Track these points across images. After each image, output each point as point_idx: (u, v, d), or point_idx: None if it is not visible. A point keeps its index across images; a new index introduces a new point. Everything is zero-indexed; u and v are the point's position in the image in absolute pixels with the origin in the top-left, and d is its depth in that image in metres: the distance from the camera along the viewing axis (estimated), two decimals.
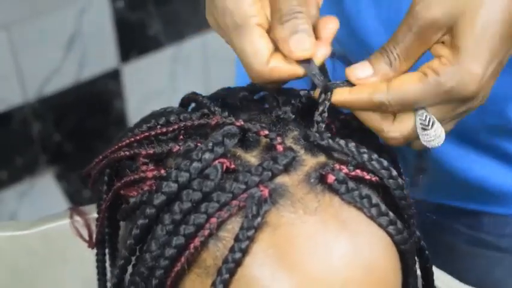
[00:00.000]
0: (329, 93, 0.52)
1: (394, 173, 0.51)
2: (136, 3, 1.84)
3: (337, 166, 0.49)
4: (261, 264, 0.46)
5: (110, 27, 1.82)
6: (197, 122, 0.52)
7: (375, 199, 0.49)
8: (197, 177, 0.48)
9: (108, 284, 0.66)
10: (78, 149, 1.95)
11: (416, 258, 0.56)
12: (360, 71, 0.52)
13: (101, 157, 0.58)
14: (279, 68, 0.50)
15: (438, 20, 0.49)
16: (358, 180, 0.50)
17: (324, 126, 0.52)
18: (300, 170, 0.49)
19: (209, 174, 0.48)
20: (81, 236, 0.66)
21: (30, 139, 1.86)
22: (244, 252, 0.45)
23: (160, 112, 0.57)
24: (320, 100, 0.52)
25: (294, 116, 0.54)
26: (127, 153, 0.54)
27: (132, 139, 0.55)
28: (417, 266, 0.57)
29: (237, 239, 0.46)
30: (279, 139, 0.50)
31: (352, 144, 0.50)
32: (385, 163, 0.50)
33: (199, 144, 0.50)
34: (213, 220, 0.47)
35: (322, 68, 0.53)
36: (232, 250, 0.46)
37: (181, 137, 0.53)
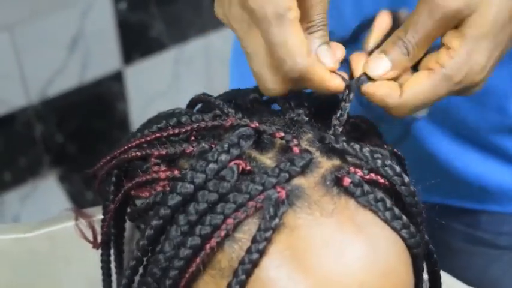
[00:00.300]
0: (351, 96, 0.52)
1: (407, 179, 0.51)
2: (139, 4, 1.84)
3: (352, 169, 0.49)
4: (278, 266, 0.46)
5: (112, 29, 1.81)
6: (211, 124, 0.52)
7: (389, 203, 0.49)
8: (213, 179, 0.47)
9: (113, 285, 0.66)
10: (81, 150, 1.95)
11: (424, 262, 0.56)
12: (378, 66, 0.52)
13: (108, 157, 0.58)
14: (319, 67, 0.50)
15: (461, 10, 0.50)
16: (373, 183, 0.50)
17: (340, 129, 0.52)
18: (316, 172, 0.49)
19: (225, 176, 0.47)
20: (85, 238, 0.66)
21: (33, 141, 1.85)
22: (262, 253, 0.45)
23: (169, 113, 0.57)
24: (341, 104, 0.52)
25: (307, 119, 0.53)
26: (138, 153, 0.54)
27: (143, 140, 0.54)
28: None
29: (254, 240, 0.45)
30: (295, 141, 0.49)
31: (366, 149, 0.50)
32: (398, 169, 0.51)
33: (213, 146, 0.50)
34: (230, 221, 0.46)
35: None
36: (249, 251, 0.45)
37: (193, 138, 0.53)
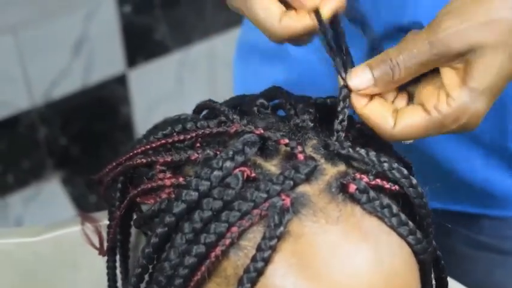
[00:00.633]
0: (348, 101, 0.52)
1: (414, 181, 0.51)
2: (144, 8, 1.84)
3: (357, 175, 0.49)
4: (283, 274, 0.45)
5: (116, 32, 1.82)
6: (216, 130, 0.52)
7: (395, 209, 0.49)
8: (218, 186, 0.47)
9: None
10: (84, 153, 1.95)
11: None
12: (359, 79, 0.52)
13: (114, 164, 0.58)
14: (290, 23, 0.52)
15: (463, 53, 0.49)
16: (378, 189, 0.50)
17: (343, 135, 0.51)
18: (321, 179, 0.49)
19: (230, 183, 0.47)
20: (92, 244, 0.66)
21: (37, 143, 1.85)
22: (267, 261, 0.45)
23: (175, 119, 0.57)
24: (339, 109, 0.52)
25: (312, 125, 0.53)
26: (143, 160, 0.54)
27: (148, 146, 0.54)
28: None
29: (259, 249, 0.45)
30: (299, 148, 0.49)
31: (372, 153, 0.50)
32: (405, 172, 0.50)
33: (218, 153, 0.49)
34: (234, 229, 0.46)
35: (337, 28, 0.53)
36: (254, 259, 0.45)
37: (198, 144, 0.53)
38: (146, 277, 0.52)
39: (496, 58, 0.49)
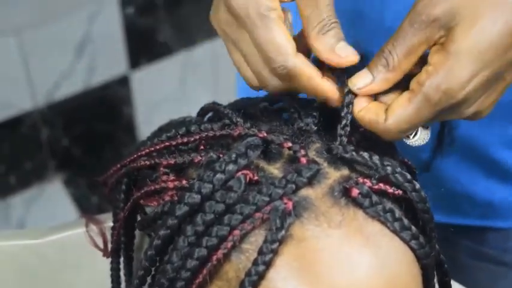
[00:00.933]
0: (351, 106, 0.52)
1: (418, 186, 0.50)
2: (146, 9, 1.84)
3: (360, 179, 0.49)
4: (285, 278, 0.45)
5: (119, 34, 1.82)
6: (219, 133, 0.52)
7: (398, 213, 0.49)
8: (220, 189, 0.47)
9: None
10: (86, 154, 1.95)
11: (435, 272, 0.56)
12: (360, 79, 0.51)
13: (118, 166, 0.58)
14: (308, 66, 0.50)
15: (440, 18, 0.48)
16: (381, 194, 0.49)
17: (346, 139, 0.51)
18: (324, 183, 0.49)
19: (232, 186, 0.47)
20: (96, 245, 0.66)
21: (39, 144, 1.85)
22: (268, 265, 0.45)
23: (179, 122, 0.57)
24: (343, 114, 0.52)
25: (315, 128, 0.53)
26: (147, 162, 0.54)
27: (152, 148, 0.54)
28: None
29: (260, 252, 0.45)
30: (302, 151, 0.49)
31: (376, 157, 0.50)
32: (409, 176, 0.50)
33: (221, 155, 0.49)
34: (236, 232, 0.46)
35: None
36: (255, 263, 0.45)
37: (202, 147, 0.53)
38: (149, 279, 0.52)
39: (477, 22, 0.47)
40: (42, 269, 0.71)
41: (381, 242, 0.48)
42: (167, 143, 0.53)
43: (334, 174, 0.50)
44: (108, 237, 0.64)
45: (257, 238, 0.47)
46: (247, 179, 0.48)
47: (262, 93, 0.60)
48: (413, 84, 0.49)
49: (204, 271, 0.47)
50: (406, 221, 0.49)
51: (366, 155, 0.50)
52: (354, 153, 0.50)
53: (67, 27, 1.73)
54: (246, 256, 0.47)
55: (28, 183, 1.88)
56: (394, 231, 0.48)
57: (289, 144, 0.49)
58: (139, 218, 0.59)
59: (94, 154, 1.96)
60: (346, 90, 0.52)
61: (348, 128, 0.52)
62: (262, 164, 0.50)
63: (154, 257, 0.50)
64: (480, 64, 0.47)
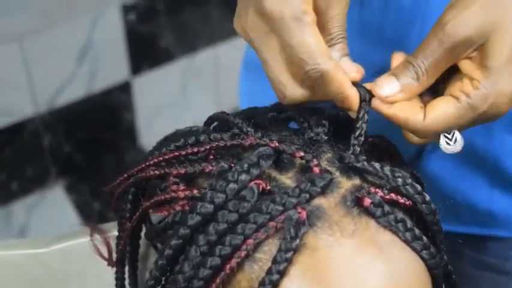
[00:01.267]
0: (366, 116, 0.51)
1: (427, 198, 0.51)
2: (148, 15, 1.84)
3: (372, 189, 0.49)
4: (299, 287, 0.45)
5: (121, 40, 1.82)
6: (230, 143, 0.52)
7: (410, 223, 0.49)
8: (233, 199, 0.47)
9: None
10: (88, 161, 1.95)
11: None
12: (387, 88, 0.52)
13: (125, 175, 0.58)
14: (340, 71, 0.50)
15: (471, 38, 0.50)
16: (393, 204, 0.49)
17: (359, 149, 0.52)
18: (337, 193, 0.49)
19: (245, 196, 0.47)
20: (100, 255, 0.65)
21: (41, 151, 1.85)
22: (282, 274, 0.45)
23: (187, 131, 0.57)
24: (358, 124, 0.52)
25: (326, 138, 0.53)
26: (156, 172, 0.53)
27: (161, 158, 0.54)
28: None
29: (274, 261, 0.45)
30: (315, 161, 0.49)
31: (387, 168, 0.50)
32: (419, 188, 0.50)
33: (232, 165, 0.49)
34: (250, 241, 0.46)
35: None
36: (269, 272, 0.45)
37: (211, 156, 0.53)
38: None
39: (506, 36, 0.49)
40: (46, 278, 0.71)
41: (392, 252, 0.48)
42: (176, 153, 0.53)
43: (346, 184, 0.50)
44: (113, 246, 0.64)
45: (271, 247, 0.47)
46: (260, 188, 0.48)
47: (265, 102, 0.60)
48: (455, 92, 0.51)
49: (217, 280, 0.47)
50: (417, 231, 0.49)
51: (377, 165, 0.50)
52: (365, 163, 0.50)
53: (69, 34, 1.73)
54: (259, 266, 0.47)
55: (30, 190, 1.88)
56: (406, 241, 0.49)
57: (302, 153, 0.49)
58: (145, 228, 0.58)
59: (95, 160, 1.96)
60: (363, 97, 0.52)
61: (362, 138, 0.52)
62: (274, 173, 0.50)
63: (165, 267, 0.49)
64: None
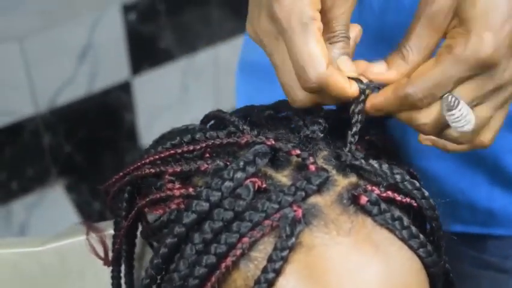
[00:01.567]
0: (362, 113, 0.51)
1: (426, 193, 0.50)
2: (148, 15, 1.84)
3: (369, 187, 0.49)
4: (294, 286, 0.45)
5: (121, 40, 1.82)
6: (226, 141, 0.51)
7: (406, 221, 0.49)
8: (229, 197, 0.47)
9: None
10: (88, 160, 1.95)
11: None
12: (376, 67, 0.52)
13: (121, 174, 0.58)
14: (339, 75, 0.50)
15: (443, 5, 0.49)
16: (390, 201, 0.49)
17: (355, 147, 0.51)
18: (333, 191, 0.49)
19: (241, 194, 0.47)
20: (96, 254, 0.65)
21: (41, 150, 1.85)
22: (278, 272, 0.45)
23: (183, 129, 0.57)
24: (353, 121, 0.51)
25: (322, 136, 0.53)
26: (152, 170, 0.53)
27: (157, 156, 0.54)
28: None
29: (270, 259, 0.45)
30: (311, 159, 0.49)
31: (385, 166, 0.50)
32: (417, 184, 0.50)
33: (228, 163, 0.49)
34: (245, 240, 0.46)
35: None
36: (265, 270, 0.45)
37: (207, 155, 0.53)
38: (154, 287, 0.52)
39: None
40: (44, 277, 0.71)
41: (389, 250, 0.48)
42: (172, 151, 0.53)
43: (342, 182, 0.50)
44: (109, 245, 0.63)
45: (266, 246, 0.46)
46: (256, 186, 0.48)
47: (262, 101, 0.60)
48: (438, 50, 0.50)
49: (213, 279, 0.47)
50: (414, 229, 0.49)
51: (375, 163, 0.50)
52: (363, 161, 0.50)
53: (69, 34, 1.73)
54: (254, 264, 0.46)
55: (30, 189, 1.88)
56: (403, 239, 0.48)
57: (298, 151, 0.49)
58: (141, 227, 0.58)
59: (96, 160, 1.96)
60: (361, 88, 0.52)
61: (357, 136, 0.51)
62: (270, 171, 0.50)
63: (160, 265, 0.49)
64: (499, 19, 0.48)
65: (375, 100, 0.51)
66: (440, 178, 0.75)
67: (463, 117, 0.49)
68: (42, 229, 1.81)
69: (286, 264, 0.45)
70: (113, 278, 0.64)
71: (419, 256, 0.49)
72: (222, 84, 2.05)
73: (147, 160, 0.54)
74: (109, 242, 0.64)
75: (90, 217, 1.83)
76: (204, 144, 0.52)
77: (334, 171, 0.50)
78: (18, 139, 1.80)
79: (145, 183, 0.55)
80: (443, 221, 0.79)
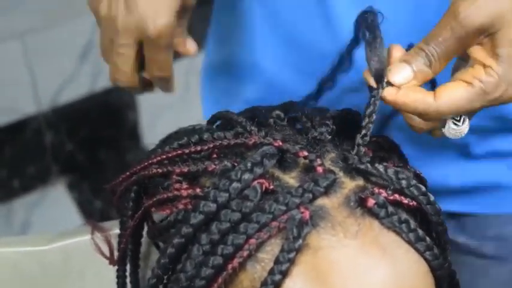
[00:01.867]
0: (373, 116, 0.51)
1: (432, 198, 0.51)
2: None
3: (376, 190, 0.49)
4: (301, 287, 0.45)
5: None
6: (234, 142, 0.51)
7: (413, 224, 0.49)
8: (236, 198, 0.47)
9: None
10: (90, 159, 1.95)
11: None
12: (400, 74, 0.52)
13: (128, 173, 0.57)
14: None
15: (483, 27, 0.50)
16: (396, 204, 0.49)
17: (363, 150, 0.51)
18: (340, 193, 0.49)
19: (248, 195, 0.47)
20: (101, 253, 0.65)
21: (43, 149, 1.85)
22: (284, 274, 0.45)
23: (190, 129, 0.57)
24: (364, 123, 0.52)
25: (330, 137, 0.53)
26: (159, 170, 0.53)
27: (164, 156, 0.54)
28: None
29: (277, 261, 0.45)
30: (318, 161, 0.49)
31: (391, 170, 0.50)
32: (423, 189, 0.50)
33: (236, 164, 0.49)
34: (252, 241, 0.46)
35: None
36: (271, 272, 0.45)
37: (214, 155, 0.53)
38: (161, 287, 0.51)
39: None
40: (46, 276, 0.71)
41: (396, 253, 0.48)
42: (179, 151, 0.53)
43: (349, 184, 0.50)
44: (114, 244, 0.63)
45: (273, 247, 0.46)
46: (263, 188, 0.48)
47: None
48: (467, 77, 0.51)
49: (219, 280, 0.46)
50: (420, 232, 0.49)
51: (381, 167, 0.50)
52: (369, 165, 0.50)
53: (71, 32, 1.73)
54: (261, 266, 0.46)
55: (31, 188, 1.88)
56: (409, 242, 0.48)
57: (305, 153, 0.49)
58: (146, 227, 0.58)
59: (97, 159, 1.96)
60: (371, 101, 0.52)
61: (367, 138, 0.52)
62: (278, 173, 0.50)
63: (167, 265, 0.49)
64: None
65: (393, 98, 0.52)
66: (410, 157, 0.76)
67: (463, 131, 0.54)
68: (43, 228, 1.80)
69: (293, 266, 0.45)
70: (118, 277, 0.64)
71: (425, 259, 0.49)
72: None
73: (154, 160, 0.54)
74: (114, 242, 0.64)
75: (91, 216, 1.82)
76: (211, 145, 0.52)
77: (341, 174, 0.50)
78: (19, 137, 1.80)
79: (153, 183, 0.55)
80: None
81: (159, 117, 1.97)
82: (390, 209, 0.48)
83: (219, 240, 0.46)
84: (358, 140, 0.51)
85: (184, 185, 0.51)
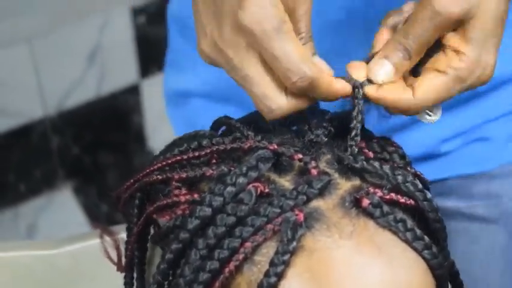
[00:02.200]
0: (361, 116, 0.52)
1: (429, 195, 0.51)
2: (157, 18, 1.84)
3: (371, 189, 0.49)
4: None
5: (130, 42, 1.82)
6: (230, 146, 0.52)
7: (410, 223, 0.49)
8: (231, 202, 0.48)
9: None
10: (96, 163, 1.95)
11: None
12: (381, 71, 0.52)
13: (132, 180, 0.58)
14: (324, 73, 0.50)
15: (459, 16, 0.50)
16: (393, 203, 0.50)
17: (357, 149, 0.52)
18: (335, 194, 0.49)
19: (243, 199, 0.48)
20: (110, 258, 0.66)
21: (49, 153, 1.86)
22: (280, 276, 0.45)
23: (191, 135, 0.57)
24: (352, 124, 0.52)
25: (326, 140, 0.53)
26: (159, 177, 0.54)
27: (164, 163, 0.54)
28: None
29: (272, 264, 0.45)
30: (313, 163, 0.49)
31: (386, 166, 0.50)
32: (420, 185, 0.50)
33: (232, 169, 0.50)
34: (248, 244, 0.47)
35: None
36: (267, 274, 0.45)
37: (213, 160, 0.53)
38: None
39: (489, 8, 0.50)
40: (56, 280, 0.72)
41: (392, 252, 0.48)
42: (179, 157, 0.54)
43: (345, 185, 0.50)
44: (122, 249, 0.64)
45: (269, 250, 0.47)
46: (258, 191, 0.48)
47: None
48: (441, 66, 0.51)
49: (217, 284, 0.47)
50: (418, 231, 0.49)
51: (376, 164, 0.50)
52: (364, 162, 0.50)
53: (78, 36, 1.74)
54: (258, 268, 0.47)
55: (37, 192, 1.88)
56: (406, 241, 0.49)
57: (300, 156, 0.50)
58: (152, 232, 0.59)
59: (104, 163, 1.96)
60: (355, 84, 0.52)
61: (358, 138, 0.52)
62: (273, 176, 0.50)
63: (166, 271, 0.50)
64: (497, 41, 0.52)
65: (373, 94, 0.52)
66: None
67: (437, 114, 0.54)
68: (50, 231, 1.81)
69: (288, 268, 0.46)
70: (125, 284, 0.64)
71: (424, 258, 0.49)
72: None
73: (156, 167, 0.55)
74: (122, 247, 0.64)
75: (97, 219, 1.83)
76: (209, 150, 0.52)
77: (336, 175, 0.50)
78: (26, 141, 1.81)
79: (154, 190, 0.55)
80: None
81: (165, 121, 1.97)
82: (386, 208, 0.48)
83: (215, 244, 0.47)
84: (349, 140, 0.52)
85: (183, 191, 0.52)
